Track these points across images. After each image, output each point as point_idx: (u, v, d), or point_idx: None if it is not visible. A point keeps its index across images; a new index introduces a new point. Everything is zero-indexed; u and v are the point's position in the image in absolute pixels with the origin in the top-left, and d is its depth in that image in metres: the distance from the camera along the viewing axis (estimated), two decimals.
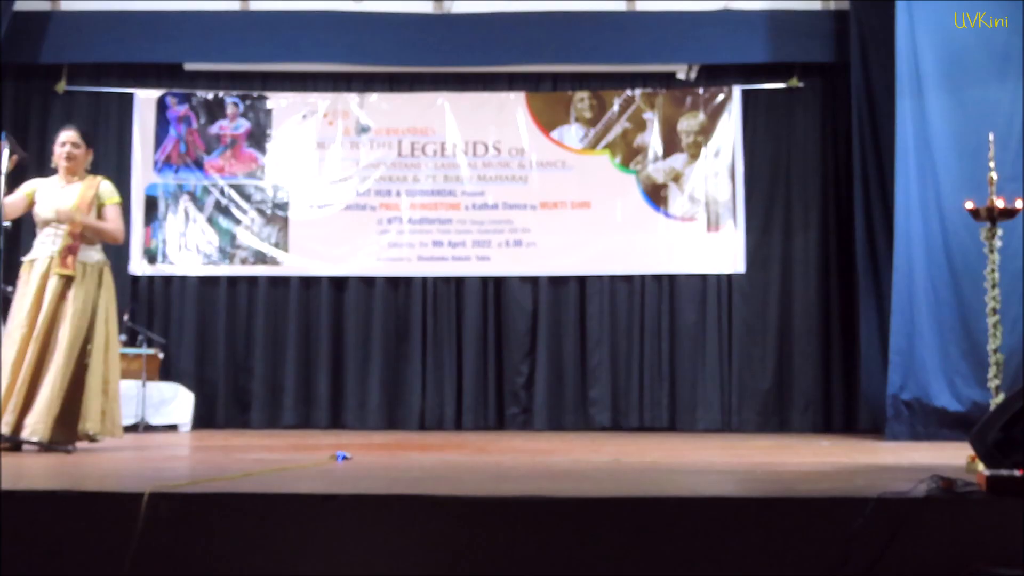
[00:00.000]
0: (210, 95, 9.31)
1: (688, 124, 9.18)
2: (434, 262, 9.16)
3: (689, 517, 2.71)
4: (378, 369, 9.04)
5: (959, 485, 2.86)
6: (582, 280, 9.17)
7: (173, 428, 8.19)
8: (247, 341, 9.17)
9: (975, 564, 2.67)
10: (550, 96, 9.35)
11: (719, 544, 2.69)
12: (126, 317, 8.40)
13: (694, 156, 9.14)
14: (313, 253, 9.16)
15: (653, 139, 9.18)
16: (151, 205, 9.22)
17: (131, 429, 7.53)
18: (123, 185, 9.12)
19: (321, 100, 9.33)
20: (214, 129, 9.30)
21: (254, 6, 9.20)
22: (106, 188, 5.58)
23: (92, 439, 5.30)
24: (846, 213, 8.81)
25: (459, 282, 9.19)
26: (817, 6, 9.02)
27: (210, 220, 9.20)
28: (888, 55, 7.80)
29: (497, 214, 9.18)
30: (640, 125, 9.21)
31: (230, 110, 9.31)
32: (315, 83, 9.39)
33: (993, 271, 4.72)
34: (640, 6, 9.08)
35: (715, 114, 9.17)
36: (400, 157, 9.28)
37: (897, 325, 7.41)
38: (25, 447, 5.07)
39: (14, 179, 5.33)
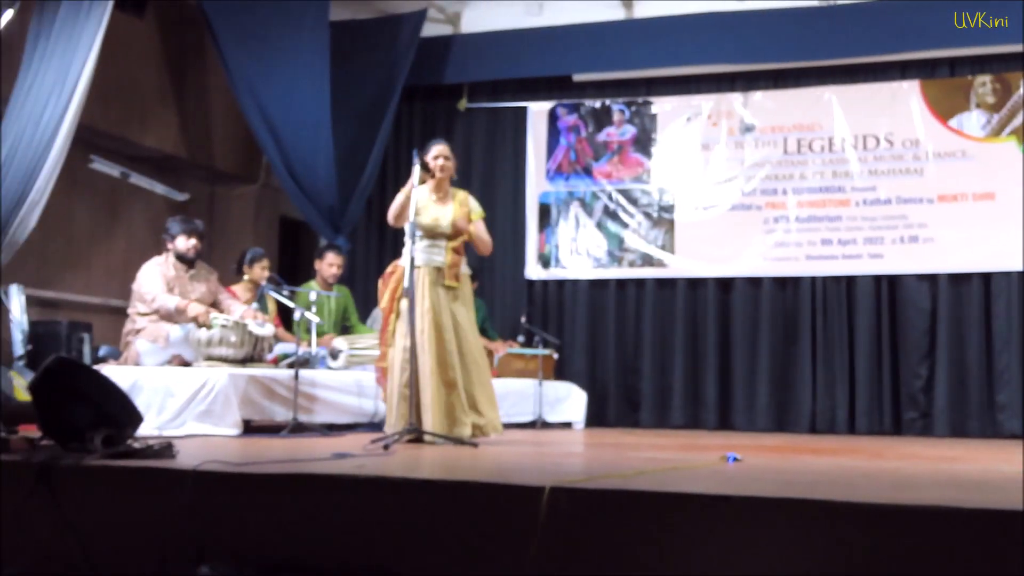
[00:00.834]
0: (597, 103, 9.60)
1: None
2: (823, 261, 8.88)
3: None
4: (766, 370, 8.91)
5: None
6: (986, 277, 8.52)
7: (567, 426, 8.50)
8: (636, 342, 9.35)
9: None
10: (947, 82, 8.78)
11: None
12: (523, 319, 8.85)
13: None
14: (699, 254, 9.18)
15: None
16: (544, 212, 9.65)
17: (528, 426, 7.91)
18: (518, 194, 9.66)
19: (705, 102, 9.33)
20: (602, 136, 9.57)
21: (638, 14, 9.38)
22: (475, 203, 5.86)
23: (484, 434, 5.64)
24: None
25: (850, 281, 8.85)
26: None
27: (599, 225, 9.48)
28: None
29: (890, 209, 8.75)
30: None
31: (616, 117, 9.54)
32: (698, 85, 9.41)
33: None
34: None
35: None
36: (786, 155, 9.08)
37: None
38: (430, 439, 5.41)
39: None
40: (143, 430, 4.15)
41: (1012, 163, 8.47)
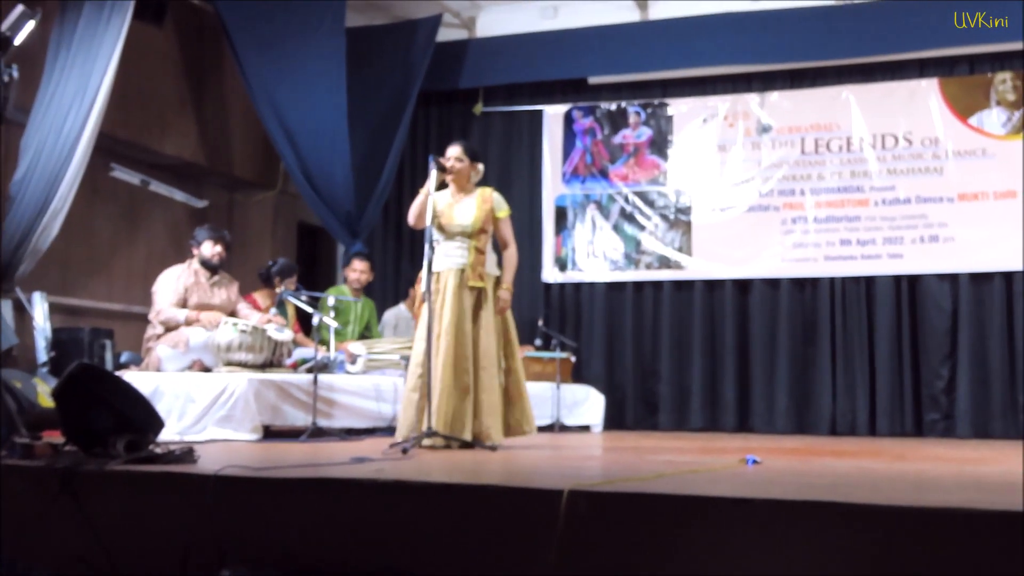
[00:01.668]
0: (613, 106, 9.60)
1: None
2: (842, 261, 8.85)
3: None
4: (785, 372, 8.88)
5: None
6: (1008, 276, 8.47)
7: (586, 429, 8.50)
8: (653, 344, 9.34)
9: None
10: (966, 80, 8.73)
11: None
12: (541, 323, 8.85)
13: None
14: (716, 256, 9.16)
15: None
16: (560, 215, 9.65)
17: (547, 429, 7.90)
18: (535, 197, 9.67)
19: (721, 103, 9.32)
20: (618, 139, 9.57)
21: (654, 15, 9.38)
22: (499, 201, 5.78)
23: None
24: None
25: (869, 282, 8.82)
26: None
27: (616, 227, 9.48)
28: None
29: (909, 209, 8.71)
30: None
31: (632, 119, 9.54)
32: (715, 86, 9.40)
33: None
34: None
35: None
36: (803, 155, 9.06)
37: None
38: (448, 443, 5.40)
39: None
40: (165, 435, 4.18)
41: None
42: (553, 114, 9.74)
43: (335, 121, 8.69)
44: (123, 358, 7.14)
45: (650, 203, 9.42)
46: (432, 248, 5.42)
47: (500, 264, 5.74)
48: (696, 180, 9.32)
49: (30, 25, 4.46)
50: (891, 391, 8.61)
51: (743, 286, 9.14)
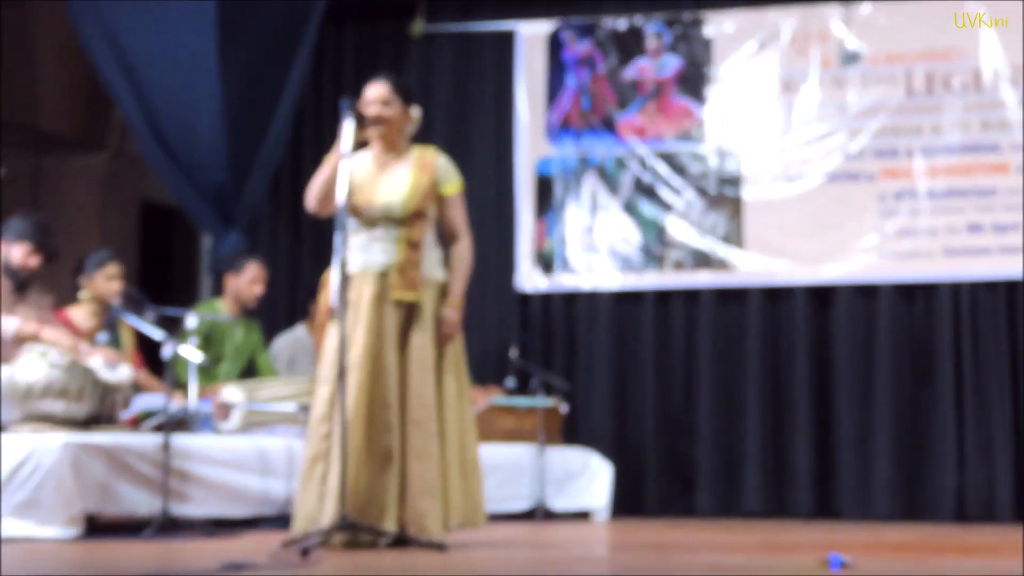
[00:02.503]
0: (623, 22, 9.59)
1: None
2: (971, 257, 8.87)
3: None
4: (887, 427, 8.86)
5: None
6: None
7: (584, 516, 8.46)
8: (687, 386, 9.31)
9: None
10: None
11: None
12: (514, 353, 8.79)
13: None
14: (781, 251, 9.18)
15: None
16: (544, 189, 9.62)
17: (525, 517, 7.86)
18: (504, 162, 9.66)
19: (785, 19, 9.34)
20: (630, 72, 9.56)
21: None
22: (445, 168, 5.70)
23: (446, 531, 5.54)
24: None
25: (1011, 288, 8.84)
26: None
27: (628, 207, 9.46)
28: None
29: None
30: None
31: (652, 43, 9.54)
32: None
33: None
34: None
35: None
36: (910, 97, 9.09)
37: None
38: (375, 540, 5.37)
39: None
40: None
41: None
42: (531, 36, 9.72)
43: (199, 45, 8.61)
44: None
45: (680, 169, 9.41)
46: (346, 240, 5.37)
47: (447, 264, 5.71)
48: (748, 136, 9.34)
49: None
50: None
51: (821, 296, 9.15)
